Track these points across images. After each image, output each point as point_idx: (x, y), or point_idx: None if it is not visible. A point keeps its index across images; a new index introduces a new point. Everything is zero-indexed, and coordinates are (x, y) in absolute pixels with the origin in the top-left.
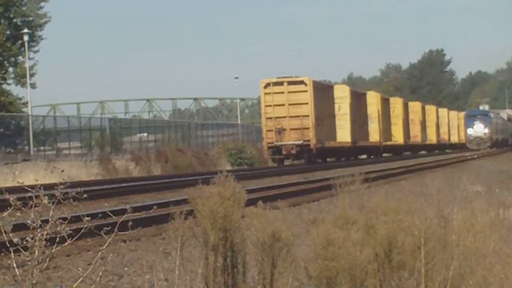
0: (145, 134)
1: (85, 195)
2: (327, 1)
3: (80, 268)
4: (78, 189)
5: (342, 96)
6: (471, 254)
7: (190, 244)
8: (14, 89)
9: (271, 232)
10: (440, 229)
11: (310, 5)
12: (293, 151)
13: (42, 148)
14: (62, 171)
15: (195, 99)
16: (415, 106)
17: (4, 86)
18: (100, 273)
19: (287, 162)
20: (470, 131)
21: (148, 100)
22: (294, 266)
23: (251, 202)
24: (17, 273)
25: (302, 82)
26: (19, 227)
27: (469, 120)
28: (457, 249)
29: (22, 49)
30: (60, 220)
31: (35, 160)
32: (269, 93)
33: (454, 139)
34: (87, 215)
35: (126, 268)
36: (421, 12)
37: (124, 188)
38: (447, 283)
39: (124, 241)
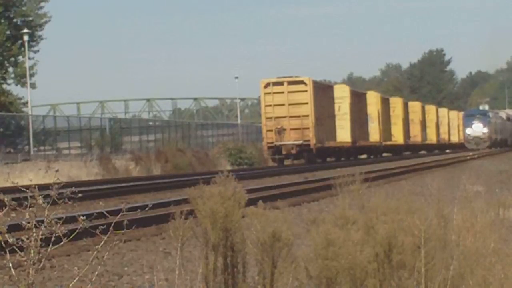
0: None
1: (80, 195)
2: (327, 1)
3: (79, 268)
4: (73, 189)
5: (342, 96)
6: (471, 254)
7: (190, 244)
8: (14, 89)
9: (272, 232)
10: (440, 229)
11: (310, 5)
12: (293, 151)
13: (42, 148)
14: (57, 170)
15: (195, 99)
16: (415, 106)
17: (4, 86)
18: (96, 272)
19: (287, 162)
20: (468, 130)
21: (148, 100)
22: (294, 266)
23: (251, 202)
24: (13, 273)
25: (302, 82)
26: (14, 228)
27: (468, 120)
28: (457, 249)
29: (22, 49)
30: (56, 220)
31: (35, 160)
32: (269, 93)
33: (454, 139)
34: (84, 215)
35: (126, 268)
36: (421, 12)
37: (124, 188)
38: (447, 283)
39: (123, 241)
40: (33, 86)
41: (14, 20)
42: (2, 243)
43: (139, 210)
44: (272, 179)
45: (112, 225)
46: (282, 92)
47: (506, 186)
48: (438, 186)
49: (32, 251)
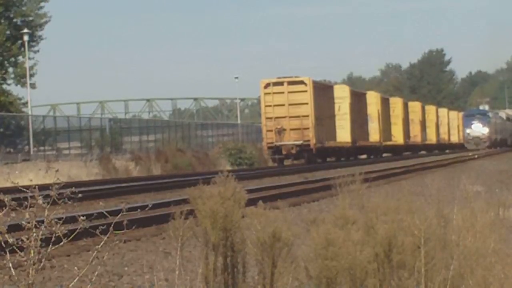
0: None
1: (80, 195)
2: (327, 1)
3: (79, 268)
4: (73, 189)
5: (342, 96)
6: (471, 254)
7: (190, 244)
8: (14, 89)
9: (272, 232)
10: (440, 229)
11: (310, 5)
12: (293, 151)
13: (42, 148)
14: (57, 170)
15: (195, 99)
16: (415, 106)
17: (4, 86)
18: (96, 272)
19: (287, 162)
20: (468, 131)
21: (148, 100)
22: (294, 266)
23: (251, 202)
24: (13, 273)
25: (302, 82)
26: (14, 228)
27: (467, 120)
28: (457, 249)
29: (22, 49)
30: (56, 220)
31: (35, 160)
32: (269, 93)
33: (454, 139)
34: (84, 215)
35: (126, 268)
36: (421, 12)
37: (124, 188)
38: (447, 283)
39: (123, 241)
40: (33, 86)
41: (14, 20)
42: (2, 243)
43: (139, 210)
44: (272, 179)
45: (112, 225)
46: (282, 92)
47: (506, 186)
48: (438, 186)
49: (32, 251)
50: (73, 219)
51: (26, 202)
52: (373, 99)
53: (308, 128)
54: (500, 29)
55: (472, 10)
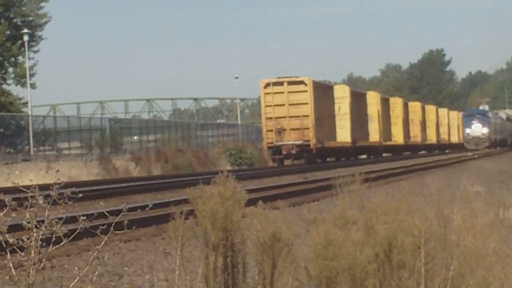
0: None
1: (80, 195)
2: (327, 1)
3: (79, 268)
4: (73, 189)
5: (342, 96)
6: (471, 254)
7: (190, 244)
8: (14, 89)
9: (272, 232)
10: (440, 229)
11: (310, 5)
12: (293, 151)
13: (42, 148)
14: (57, 170)
15: (195, 99)
16: (415, 106)
17: (4, 86)
18: (97, 272)
19: (287, 162)
20: (468, 131)
21: (148, 100)
22: (294, 266)
23: (251, 202)
24: (14, 273)
25: (302, 82)
26: (15, 228)
27: (467, 120)
28: (457, 249)
29: (22, 49)
30: (56, 220)
31: (35, 160)
32: (269, 93)
33: (454, 139)
34: (84, 215)
35: (126, 268)
36: (421, 12)
37: (124, 188)
38: (447, 283)
39: (123, 241)
40: (33, 86)
41: (14, 20)
42: (3, 243)
43: (139, 210)
44: (272, 179)
45: (113, 225)
46: (282, 92)
47: (506, 186)
48: (438, 186)
49: (32, 251)
50: (73, 219)
51: (26, 202)
52: (373, 99)
53: (308, 128)
54: (500, 29)
55: (472, 10)
